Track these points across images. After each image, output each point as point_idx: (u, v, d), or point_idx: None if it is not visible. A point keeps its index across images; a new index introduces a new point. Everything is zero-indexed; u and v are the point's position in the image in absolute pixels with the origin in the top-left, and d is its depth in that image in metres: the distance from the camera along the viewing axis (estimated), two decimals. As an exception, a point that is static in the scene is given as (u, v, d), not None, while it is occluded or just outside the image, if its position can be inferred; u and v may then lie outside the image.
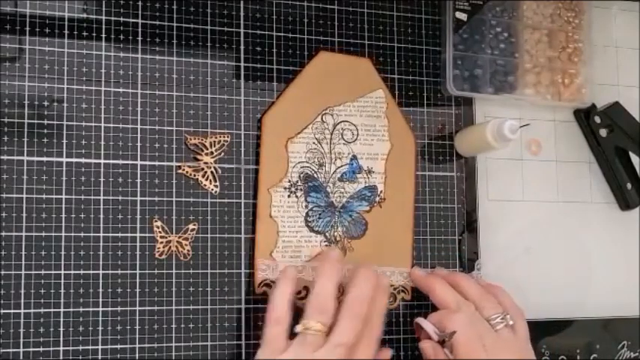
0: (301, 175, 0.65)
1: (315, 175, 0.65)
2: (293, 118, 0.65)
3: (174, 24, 0.64)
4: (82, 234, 0.59)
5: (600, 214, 0.75)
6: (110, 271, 0.59)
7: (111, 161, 0.60)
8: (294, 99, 0.65)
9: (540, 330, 0.70)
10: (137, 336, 0.59)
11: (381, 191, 0.67)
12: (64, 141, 0.59)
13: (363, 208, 0.67)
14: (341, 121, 0.67)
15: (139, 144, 0.61)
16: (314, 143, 0.66)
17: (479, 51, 0.71)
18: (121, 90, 0.61)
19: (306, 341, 0.54)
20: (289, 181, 0.64)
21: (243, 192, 0.64)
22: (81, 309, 0.58)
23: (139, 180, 0.61)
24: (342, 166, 0.66)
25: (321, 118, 0.66)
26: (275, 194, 0.64)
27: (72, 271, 0.58)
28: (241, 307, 0.62)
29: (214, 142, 0.63)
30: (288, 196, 0.64)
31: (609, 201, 0.76)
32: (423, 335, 0.63)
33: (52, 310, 0.58)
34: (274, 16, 0.67)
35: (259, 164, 0.64)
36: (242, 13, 0.66)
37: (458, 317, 0.60)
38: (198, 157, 0.63)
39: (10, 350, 0.56)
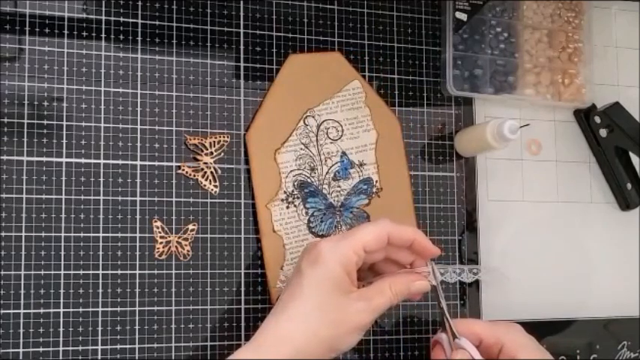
0: (295, 184, 0.65)
1: (309, 180, 0.65)
2: (276, 129, 0.65)
3: (174, 24, 0.64)
4: (82, 234, 0.59)
5: (600, 214, 0.75)
6: (110, 271, 0.59)
7: (111, 161, 0.60)
8: (272, 110, 0.65)
9: (540, 330, 0.69)
10: (137, 336, 0.59)
11: (376, 181, 0.67)
12: (64, 141, 0.59)
13: (362, 202, 0.67)
14: (323, 121, 0.66)
15: (138, 144, 0.61)
16: (301, 149, 0.65)
17: (479, 51, 0.71)
18: (120, 90, 0.61)
19: None
20: (285, 192, 0.64)
21: (243, 192, 0.64)
22: (81, 309, 0.58)
23: (138, 180, 0.61)
24: (333, 165, 0.66)
25: (304, 122, 0.66)
26: (274, 209, 0.64)
27: (72, 271, 0.58)
28: (241, 307, 0.62)
29: (214, 142, 0.63)
30: (287, 207, 0.64)
31: (609, 201, 0.76)
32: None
33: (52, 310, 0.58)
34: (274, 16, 0.67)
35: (252, 182, 0.63)
36: (242, 13, 0.66)
37: None
38: (198, 157, 0.63)
39: (10, 350, 0.56)
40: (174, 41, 0.64)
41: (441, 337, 0.59)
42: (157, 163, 0.62)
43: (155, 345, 0.60)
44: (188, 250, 0.61)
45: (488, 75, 0.71)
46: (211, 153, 0.63)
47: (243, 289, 0.63)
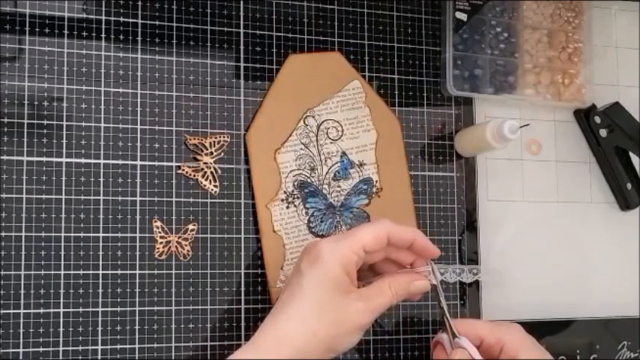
0: (295, 184, 0.65)
1: (309, 180, 0.65)
2: (276, 129, 0.65)
3: (174, 24, 0.64)
4: (82, 234, 0.59)
5: (600, 214, 0.75)
6: (110, 271, 0.59)
7: (111, 161, 0.60)
8: (272, 110, 0.65)
9: (540, 330, 0.70)
10: (137, 336, 0.59)
11: (376, 181, 0.67)
12: (64, 141, 0.60)
13: (362, 202, 0.67)
14: (324, 121, 0.66)
15: (138, 144, 0.61)
16: (301, 149, 0.65)
17: (479, 51, 0.71)
18: (120, 90, 0.62)
19: None
20: (285, 192, 0.64)
21: (242, 192, 0.64)
22: (81, 309, 0.58)
23: (138, 180, 0.61)
24: (333, 165, 0.66)
25: (304, 122, 0.66)
26: (274, 209, 0.64)
27: (72, 271, 0.58)
28: (241, 307, 0.62)
29: (214, 142, 0.63)
30: (287, 207, 0.64)
31: (609, 201, 0.76)
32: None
33: (52, 310, 0.58)
34: (274, 16, 0.67)
35: (252, 182, 0.63)
36: (242, 13, 0.66)
37: None
38: (198, 157, 0.63)
39: (10, 350, 0.56)
40: (174, 41, 0.64)
41: (442, 338, 0.59)
42: (157, 163, 0.62)
43: (155, 345, 0.60)
44: (188, 250, 0.61)
45: (488, 75, 0.71)
46: (211, 153, 0.63)
47: (243, 289, 0.63)
